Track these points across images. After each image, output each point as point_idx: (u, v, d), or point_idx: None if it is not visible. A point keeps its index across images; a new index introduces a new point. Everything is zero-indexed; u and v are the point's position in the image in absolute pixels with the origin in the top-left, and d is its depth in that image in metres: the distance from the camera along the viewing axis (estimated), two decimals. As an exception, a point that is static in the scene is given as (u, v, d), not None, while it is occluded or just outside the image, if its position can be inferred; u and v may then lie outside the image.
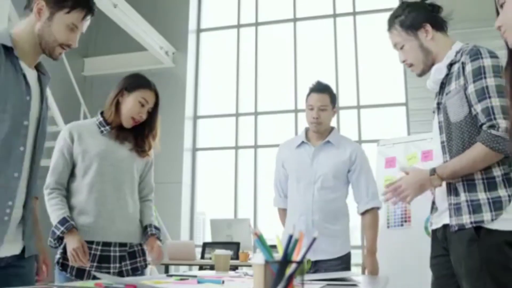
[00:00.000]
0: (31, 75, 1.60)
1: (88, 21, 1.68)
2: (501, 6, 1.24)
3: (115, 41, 6.93)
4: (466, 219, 1.60)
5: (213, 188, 6.85)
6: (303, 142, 2.67)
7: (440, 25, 1.79)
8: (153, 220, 2.24)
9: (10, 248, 1.52)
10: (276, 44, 7.02)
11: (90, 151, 2.08)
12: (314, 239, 0.86)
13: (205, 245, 4.36)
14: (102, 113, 2.18)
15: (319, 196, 2.53)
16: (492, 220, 1.55)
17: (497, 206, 1.56)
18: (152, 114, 2.19)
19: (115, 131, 2.15)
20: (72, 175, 2.10)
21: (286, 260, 0.84)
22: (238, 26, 7.26)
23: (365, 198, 2.58)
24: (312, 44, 6.81)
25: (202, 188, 6.85)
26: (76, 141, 2.09)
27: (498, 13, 1.26)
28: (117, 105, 2.13)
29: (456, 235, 1.64)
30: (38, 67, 1.66)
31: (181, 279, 1.67)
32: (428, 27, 1.77)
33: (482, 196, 1.59)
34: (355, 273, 2.41)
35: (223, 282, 1.52)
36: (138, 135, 2.18)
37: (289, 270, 0.82)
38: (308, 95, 2.65)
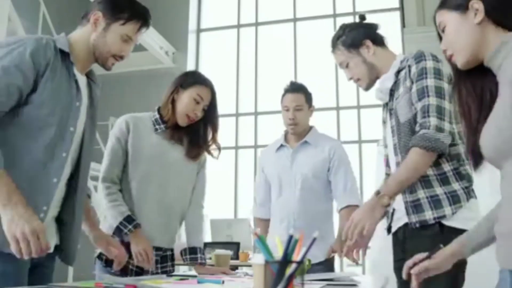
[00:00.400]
0: (82, 82, 1.61)
1: (142, 33, 1.69)
2: (443, 30, 1.27)
3: (115, 41, 6.90)
4: (429, 215, 1.61)
5: (213, 188, 6.84)
6: (282, 145, 2.62)
7: (380, 41, 1.88)
8: (202, 241, 2.16)
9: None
10: (276, 44, 7.02)
11: (139, 149, 2.03)
12: (314, 239, 0.86)
13: (205, 245, 4.34)
14: (158, 110, 2.11)
15: (300, 197, 2.47)
16: (453, 213, 1.59)
17: (455, 199, 1.61)
18: (213, 112, 2.12)
19: (170, 130, 2.08)
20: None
21: (286, 260, 0.84)
22: (238, 26, 7.26)
23: (342, 195, 2.47)
24: (312, 44, 6.81)
25: (202, 188, 6.85)
26: (131, 132, 2.04)
27: (440, 37, 1.30)
28: (173, 103, 2.07)
29: (418, 232, 1.63)
30: (88, 75, 1.68)
31: (181, 279, 1.67)
32: (369, 43, 1.85)
33: (440, 191, 1.62)
34: (356, 273, 2.39)
35: (223, 282, 1.52)
36: (195, 135, 2.10)
37: (289, 270, 0.82)
38: (283, 96, 2.59)
